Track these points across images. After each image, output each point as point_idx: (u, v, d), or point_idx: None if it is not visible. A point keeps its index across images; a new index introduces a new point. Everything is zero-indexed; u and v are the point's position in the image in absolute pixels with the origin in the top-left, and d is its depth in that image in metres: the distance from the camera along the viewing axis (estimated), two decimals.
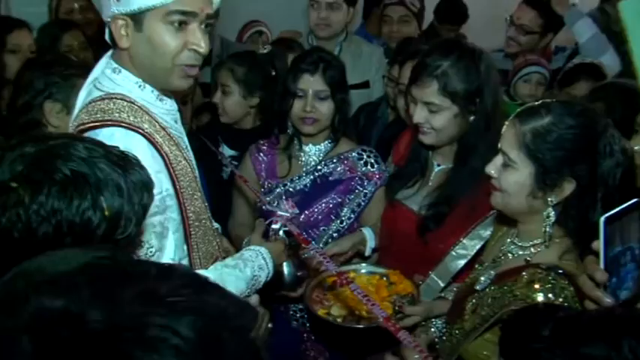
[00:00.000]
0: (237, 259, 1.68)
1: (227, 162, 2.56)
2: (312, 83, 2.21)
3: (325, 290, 2.02)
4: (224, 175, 2.71)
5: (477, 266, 1.78)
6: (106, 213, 1.02)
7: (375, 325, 1.80)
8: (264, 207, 1.85)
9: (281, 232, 1.86)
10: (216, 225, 1.90)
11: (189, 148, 1.68)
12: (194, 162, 1.66)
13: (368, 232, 2.25)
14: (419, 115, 1.96)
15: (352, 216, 2.31)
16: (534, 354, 0.95)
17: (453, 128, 1.98)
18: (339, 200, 2.30)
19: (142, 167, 1.11)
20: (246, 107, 2.67)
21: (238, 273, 1.63)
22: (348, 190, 2.31)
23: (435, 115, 1.95)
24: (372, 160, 2.33)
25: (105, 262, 0.66)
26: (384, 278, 2.05)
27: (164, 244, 1.47)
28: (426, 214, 2.04)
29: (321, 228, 2.29)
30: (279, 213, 1.82)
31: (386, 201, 2.22)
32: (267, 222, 1.84)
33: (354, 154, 2.33)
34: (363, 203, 2.31)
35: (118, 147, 1.12)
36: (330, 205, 2.30)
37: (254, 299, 1.51)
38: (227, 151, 2.69)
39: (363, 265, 2.16)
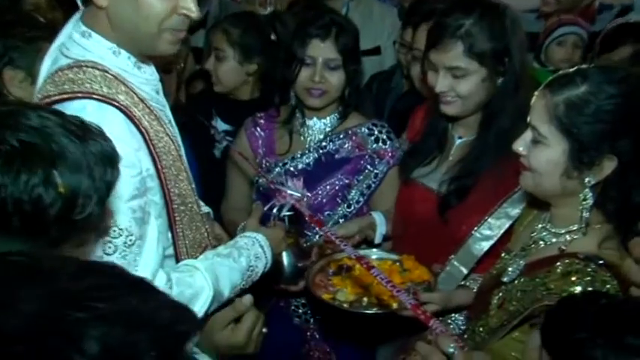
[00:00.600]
0: (230, 248, 1.67)
1: (220, 137, 2.59)
2: (322, 50, 2.19)
3: (330, 276, 2.04)
4: (216, 152, 2.71)
5: (503, 255, 1.77)
6: (61, 190, 0.99)
7: (390, 311, 1.83)
8: (272, 186, 1.85)
9: (284, 216, 1.86)
10: (205, 209, 1.89)
11: (172, 122, 1.66)
12: (178, 138, 1.64)
13: (378, 217, 2.24)
14: (442, 83, 1.96)
15: (361, 199, 2.31)
16: (577, 344, 0.99)
17: (480, 94, 1.98)
18: (347, 181, 2.29)
19: (105, 138, 1.09)
20: (242, 75, 2.66)
21: (232, 263, 1.63)
22: (356, 169, 2.30)
23: (460, 81, 1.95)
24: (384, 136, 2.32)
25: (15, 259, 0.64)
26: (397, 264, 2.06)
27: (145, 231, 1.45)
28: (448, 189, 2.05)
29: (326, 213, 2.29)
30: (289, 192, 1.81)
31: (400, 182, 2.22)
32: (269, 205, 1.84)
33: (363, 129, 2.32)
34: (373, 185, 2.31)
35: (77, 116, 1.09)
36: (336, 187, 2.29)
37: (247, 299, 1.48)
38: (220, 125, 2.71)
39: (374, 250, 2.16)
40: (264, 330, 1.49)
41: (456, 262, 2.01)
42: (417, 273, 2.02)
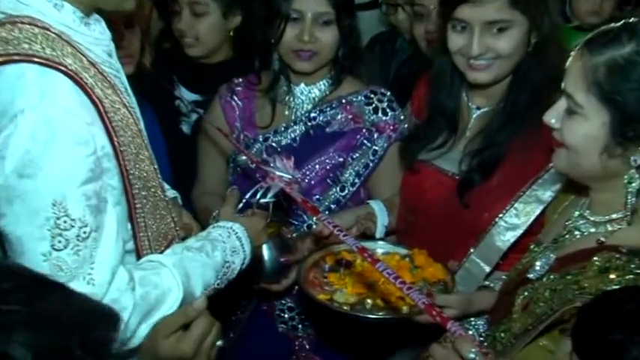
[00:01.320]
0: (202, 240, 1.66)
1: (188, 109, 2.61)
2: (311, 3, 2.18)
3: (326, 272, 2.04)
4: (184, 127, 2.72)
5: (531, 246, 1.75)
6: None
7: (399, 316, 1.84)
8: (259, 166, 1.82)
9: (267, 202, 1.84)
10: (171, 194, 1.90)
11: (129, 90, 1.63)
12: (137, 110, 1.61)
13: (376, 205, 2.24)
14: (479, 43, 1.95)
15: (357, 181, 2.31)
16: (614, 346, 0.99)
17: (520, 52, 1.98)
18: (340, 159, 2.30)
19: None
20: (224, 32, 2.65)
21: (205, 258, 1.62)
22: (351, 145, 2.30)
23: (500, 37, 1.96)
24: (385, 106, 2.31)
25: None
26: (407, 259, 2.05)
27: (102, 221, 1.43)
28: (469, 166, 2.04)
29: (315, 197, 2.29)
30: (278, 174, 1.77)
31: (403, 167, 2.23)
32: (252, 192, 1.81)
33: (359, 97, 2.32)
34: (371, 164, 2.31)
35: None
36: (328, 167, 2.29)
37: (199, 303, 1.44)
38: (186, 95, 2.70)
39: (379, 242, 2.15)
40: (219, 343, 1.45)
41: (476, 258, 2.02)
42: (430, 271, 2.00)
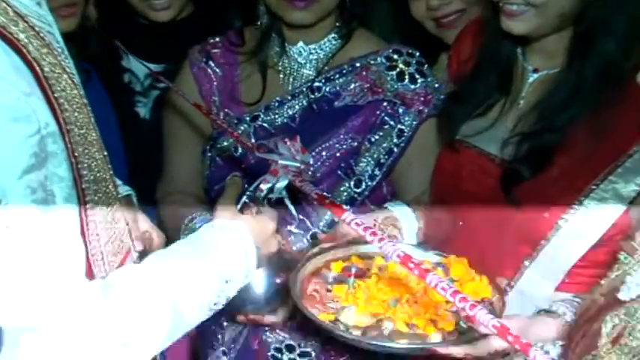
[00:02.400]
0: (192, 243, 1.65)
1: (147, 85, 2.68)
2: None
3: (330, 282, 2.01)
4: (141, 109, 2.75)
5: (621, 257, 1.63)
6: None
7: (432, 345, 1.81)
8: (258, 153, 1.78)
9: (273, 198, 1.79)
10: (124, 190, 1.93)
11: (66, 52, 1.58)
12: (77, 77, 1.58)
13: (397, 207, 2.20)
14: None
15: (377, 172, 2.29)
16: None
17: (563, 1, 1.97)
18: (354, 144, 2.28)
19: None
20: None
21: (195, 271, 1.58)
22: (369, 124, 2.28)
23: None
24: (413, 70, 2.28)
25: None
26: (440, 269, 1.99)
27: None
28: (517, 153, 2.04)
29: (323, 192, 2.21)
30: (282, 163, 1.71)
31: (440, 144, 2.22)
32: (256, 183, 1.76)
33: (379, 59, 2.30)
34: (396, 149, 2.28)
35: None
36: (338, 153, 2.27)
37: None
38: (139, 66, 2.69)
39: (402, 245, 2.03)
40: None
41: (533, 274, 2.02)
42: (471, 286, 1.95)
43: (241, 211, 1.78)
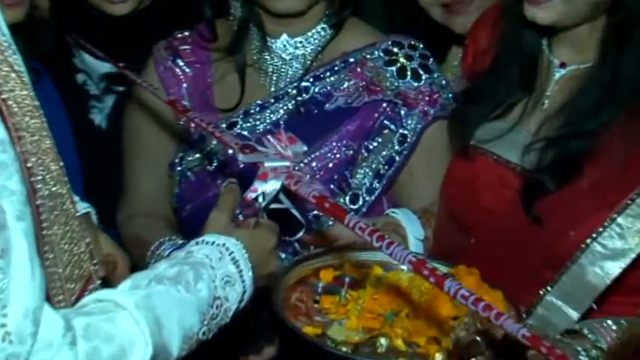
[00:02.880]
0: (179, 265, 1.60)
1: (103, 87, 2.61)
2: None
3: (318, 292, 1.98)
4: (96, 116, 2.68)
5: None
6: None
7: None
8: (239, 155, 1.74)
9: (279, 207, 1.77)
10: (82, 207, 1.91)
11: (15, 48, 1.54)
12: (27, 77, 1.53)
13: (402, 213, 2.20)
14: None
15: (377, 185, 2.28)
16: None
17: None
18: (349, 152, 2.26)
19: None
20: None
21: (183, 294, 1.55)
22: (366, 130, 2.27)
23: None
24: (416, 65, 2.27)
25: None
26: None
27: (7, 241, 1.33)
28: (540, 161, 2.01)
29: (311, 214, 2.23)
30: (267, 165, 1.68)
31: (451, 151, 2.21)
32: (251, 190, 1.72)
33: (376, 52, 2.28)
34: (398, 157, 2.27)
35: None
36: (330, 164, 2.25)
37: None
38: (93, 64, 2.66)
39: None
40: None
41: (556, 300, 1.99)
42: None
43: (237, 223, 1.78)
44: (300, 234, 1.93)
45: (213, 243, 1.67)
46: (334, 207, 1.63)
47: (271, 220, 1.79)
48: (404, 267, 1.99)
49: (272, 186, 1.69)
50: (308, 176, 1.70)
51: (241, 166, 2.05)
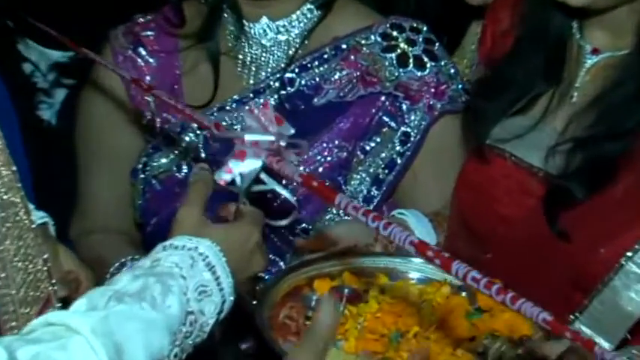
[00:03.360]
0: (143, 277, 1.55)
1: (52, 80, 2.62)
2: None
3: (311, 309, 1.92)
4: (45, 115, 2.70)
5: None
6: None
7: None
8: (217, 132, 1.67)
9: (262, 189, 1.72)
10: (38, 217, 1.86)
11: None
12: None
13: (410, 214, 2.18)
14: None
15: (375, 192, 2.27)
16: None
17: None
18: (342, 155, 2.25)
19: None
20: None
21: (148, 312, 1.50)
22: (361, 128, 2.26)
23: None
24: (419, 51, 2.24)
25: None
26: (463, 294, 1.97)
27: None
28: (568, 166, 1.99)
29: (300, 226, 2.26)
30: (248, 139, 1.59)
31: (464, 152, 2.22)
32: (225, 168, 1.64)
33: (372, 37, 2.25)
34: (400, 159, 2.25)
35: None
36: (320, 168, 2.25)
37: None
38: (41, 52, 2.68)
39: (415, 261, 2.04)
40: None
41: (583, 326, 1.98)
42: (505, 319, 1.90)
43: (215, 214, 1.77)
44: (291, 218, 1.83)
45: (183, 247, 1.61)
46: (323, 186, 1.55)
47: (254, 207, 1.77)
48: (413, 276, 2.00)
49: (250, 165, 1.61)
50: (293, 154, 1.63)
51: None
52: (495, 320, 1.89)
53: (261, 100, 2.25)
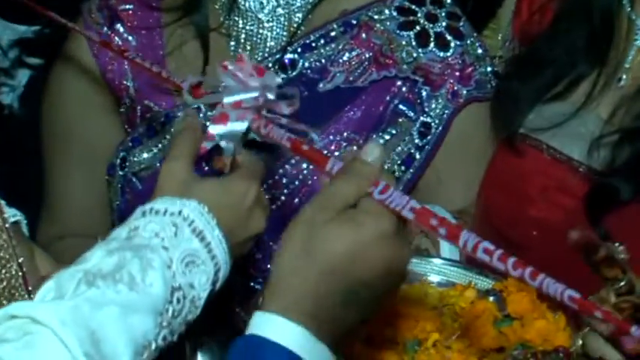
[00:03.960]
0: (119, 252, 1.54)
1: (13, 59, 2.61)
2: None
3: None
4: (6, 99, 2.68)
5: None
6: None
7: None
8: (188, 98, 1.69)
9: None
10: (10, 214, 1.81)
11: None
12: None
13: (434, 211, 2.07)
14: None
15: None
16: None
17: None
18: (352, 149, 2.23)
19: None
20: None
21: (126, 294, 1.49)
22: (374, 117, 2.24)
23: None
24: (441, 27, 2.22)
25: None
26: (491, 299, 1.93)
27: None
28: (614, 161, 2.00)
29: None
30: (226, 101, 1.63)
31: (493, 143, 2.20)
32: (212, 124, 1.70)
33: (387, 11, 2.23)
34: (419, 154, 2.25)
35: None
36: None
37: None
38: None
39: (435, 261, 2.04)
40: None
41: None
42: (538, 328, 1.88)
43: (209, 167, 1.79)
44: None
45: (165, 212, 1.58)
46: (313, 151, 1.57)
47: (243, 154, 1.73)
48: (433, 279, 1.99)
49: (234, 128, 1.63)
50: (285, 106, 1.65)
51: (207, 168, 1.97)
52: (527, 329, 1.87)
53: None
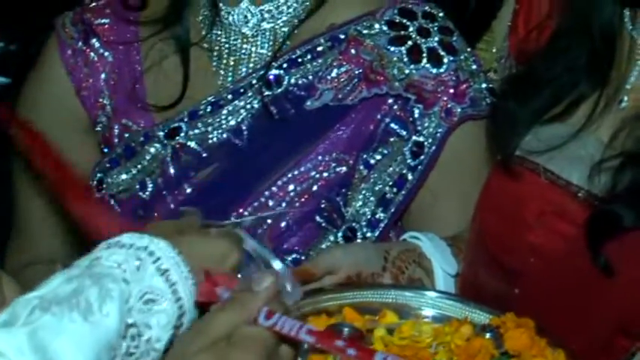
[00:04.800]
0: (78, 278, 1.48)
1: None
2: None
3: (303, 352, 1.88)
4: None
5: None
6: None
7: None
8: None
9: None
10: None
11: None
12: None
13: (426, 239, 2.18)
14: None
15: (381, 216, 2.27)
16: None
17: None
18: (342, 170, 2.24)
19: None
20: None
21: (79, 325, 1.44)
22: (364, 137, 2.25)
23: None
24: (434, 42, 2.24)
25: None
26: (488, 335, 1.89)
27: None
28: (615, 186, 1.98)
29: (290, 257, 2.23)
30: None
31: (489, 165, 2.22)
32: None
33: (377, 25, 2.24)
34: (411, 175, 2.25)
35: None
36: (315, 187, 2.24)
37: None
38: None
39: (428, 295, 2.05)
40: None
41: None
42: None
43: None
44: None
45: (131, 246, 1.53)
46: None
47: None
48: (427, 313, 1.99)
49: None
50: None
51: (189, 190, 2.08)
52: None
53: (242, 104, 2.25)
